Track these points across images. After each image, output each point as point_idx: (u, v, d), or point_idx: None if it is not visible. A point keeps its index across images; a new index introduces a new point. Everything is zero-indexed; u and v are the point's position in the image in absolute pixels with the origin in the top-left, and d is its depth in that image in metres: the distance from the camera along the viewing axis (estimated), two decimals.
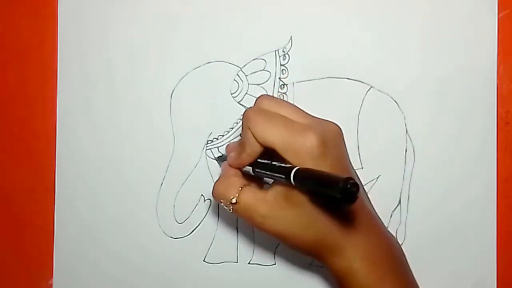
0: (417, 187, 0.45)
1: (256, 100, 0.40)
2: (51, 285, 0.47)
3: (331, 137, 0.37)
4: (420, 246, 0.45)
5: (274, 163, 0.37)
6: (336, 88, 0.45)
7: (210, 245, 0.46)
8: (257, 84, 0.46)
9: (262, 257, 0.46)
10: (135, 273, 0.46)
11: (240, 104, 0.46)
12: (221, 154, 0.46)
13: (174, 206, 0.46)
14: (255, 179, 0.40)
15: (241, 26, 0.46)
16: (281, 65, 0.45)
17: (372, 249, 0.37)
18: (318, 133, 0.36)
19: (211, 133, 0.46)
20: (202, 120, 0.46)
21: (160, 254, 0.46)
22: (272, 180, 0.38)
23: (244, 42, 0.46)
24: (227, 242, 0.46)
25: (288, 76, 0.45)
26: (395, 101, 0.45)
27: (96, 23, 0.46)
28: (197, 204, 0.46)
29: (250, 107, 0.39)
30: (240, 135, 0.42)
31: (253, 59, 0.46)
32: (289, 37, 0.46)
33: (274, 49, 0.46)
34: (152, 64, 0.46)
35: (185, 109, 0.46)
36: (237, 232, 0.46)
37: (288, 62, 0.45)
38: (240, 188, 0.38)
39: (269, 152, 0.38)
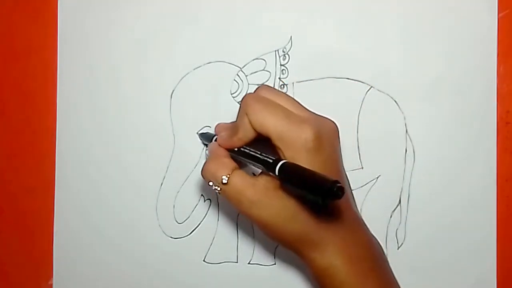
0: (417, 187, 0.45)
1: (257, 88, 0.40)
2: (51, 285, 0.47)
3: (327, 133, 0.37)
4: (420, 246, 0.45)
5: (261, 154, 0.37)
6: (336, 88, 0.45)
7: (210, 245, 0.46)
8: (257, 84, 0.45)
9: (262, 257, 0.46)
10: (135, 273, 0.46)
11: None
12: (205, 132, 0.45)
13: (174, 206, 0.46)
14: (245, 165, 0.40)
15: (241, 26, 0.46)
16: (281, 65, 0.45)
17: (354, 248, 0.37)
18: (315, 127, 0.36)
19: None
20: (202, 120, 0.46)
21: (160, 254, 0.46)
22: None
23: (244, 42, 0.46)
24: (227, 242, 0.46)
25: (288, 76, 0.45)
26: (395, 101, 0.45)
27: (96, 23, 0.46)
28: (197, 204, 0.46)
29: (249, 93, 0.39)
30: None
31: (253, 59, 0.46)
32: (289, 37, 0.46)
33: (274, 49, 0.46)
34: (152, 64, 0.46)
35: (185, 109, 0.46)
36: (237, 232, 0.46)
37: (288, 62, 0.45)
38: (231, 170, 0.38)
39: (259, 141, 0.38)
